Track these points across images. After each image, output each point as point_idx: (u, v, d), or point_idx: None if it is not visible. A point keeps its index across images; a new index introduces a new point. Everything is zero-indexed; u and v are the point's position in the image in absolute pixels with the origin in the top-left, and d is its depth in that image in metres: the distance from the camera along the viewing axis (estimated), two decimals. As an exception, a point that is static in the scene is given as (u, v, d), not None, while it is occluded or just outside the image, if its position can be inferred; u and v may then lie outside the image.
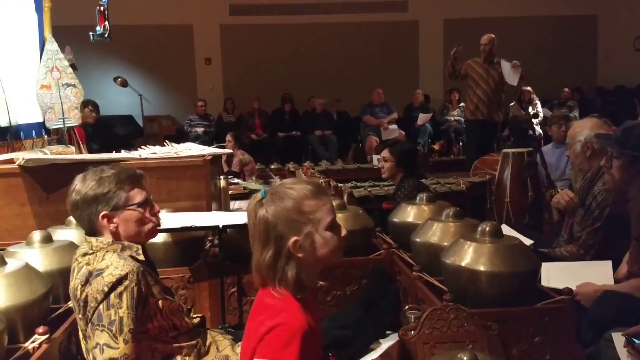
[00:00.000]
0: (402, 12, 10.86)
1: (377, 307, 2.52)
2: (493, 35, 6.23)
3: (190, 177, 3.26)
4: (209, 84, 10.64)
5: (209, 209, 3.27)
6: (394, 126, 8.94)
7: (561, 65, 10.70)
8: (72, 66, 4.48)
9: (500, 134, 7.22)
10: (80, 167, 3.04)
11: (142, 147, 3.76)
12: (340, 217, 2.85)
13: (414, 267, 2.47)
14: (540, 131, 8.25)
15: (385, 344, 2.32)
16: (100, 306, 1.62)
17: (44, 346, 1.84)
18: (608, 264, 2.51)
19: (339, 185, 4.77)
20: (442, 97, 10.53)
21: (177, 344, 1.82)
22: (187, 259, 2.77)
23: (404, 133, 8.88)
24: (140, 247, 1.83)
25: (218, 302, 2.65)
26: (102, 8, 4.11)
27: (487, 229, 2.19)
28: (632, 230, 2.40)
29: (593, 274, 2.44)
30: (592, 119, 3.13)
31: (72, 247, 2.36)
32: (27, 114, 4.22)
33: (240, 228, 2.64)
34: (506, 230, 2.72)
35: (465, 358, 1.49)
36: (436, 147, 9.06)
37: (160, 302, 1.76)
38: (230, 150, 5.93)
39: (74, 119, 4.33)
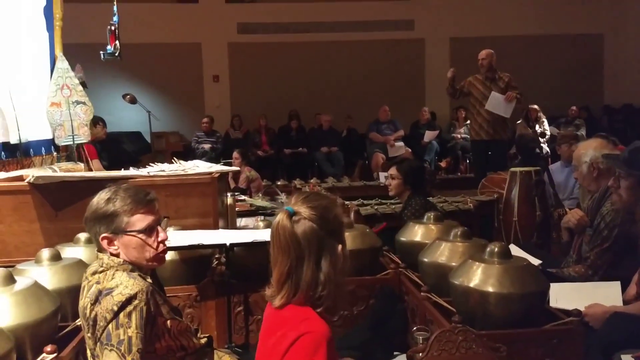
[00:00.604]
0: (408, 30, 10.93)
1: (385, 327, 2.51)
2: (491, 50, 6.12)
3: (197, 194, 3.27)
4: (216, 101, 10.71)
5: (216, 227, 3.27)
6: (401, 143, 8.95)
7: (568, 84, 10.71)
8: (82, 84, 4.52)
9: (508, 152, 7.14)
10: (89, 184, 3.10)
11: (151, 164, 3.79)
12: (347, 236, 2.85)
13: (422, 288, 2.46)
14: (548, 149, 8.23)
15: (393, 365, 2.31)
16: (110, 325, 1.62)
17: (52, 365, 1.84)
18: (617, 284, 2.50)
19: (346, 202, 4.76)
20: (449, 115, 10.55)
21: (184, 364, 1.82)
22: (194, 277, 2.77)
23: (410, 150, 8.88)
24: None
25: (225, 321, 2.65)
26: (113, 27, 4.17)
27: (496, 249, 2.19)
28: (641, 251, 2.39)
29: (602, 295, 2.43)
30: (597, 139, 3.13)
31: (80, 265, 2.37)
32: (36, 131, 4.26)
33: (248, 247, 2.65)
34: (514, 249, 2.71)
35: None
36: (443, 164, 9.05)
37: (168, 322, 1.76)
38: (237, 168, 5.96)
39: (83, 136, 4.37)
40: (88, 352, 1.74)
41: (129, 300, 1.63)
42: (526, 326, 2.09)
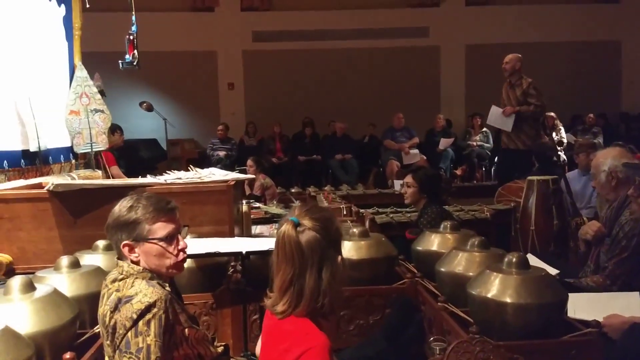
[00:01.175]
0: (423, 37, 10.93)
1: (401, 337, 2.49)
2: (516, 55, 5.89)
3: (213, 202, 3.29)
4: (231, 109, 10.79)
5: (231, 234, 3.29)
6: (415, 151, 8.93)
7: (585, 91, 10.63)
8: (101, 92, 4.59)
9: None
10: (108, 192, 3.13)
11: (167, 171, 3.82)
12: (362, 244, 2.86)
13: (439, 298, 2.44)
14: (565, 157, 8.16)
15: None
16: (129, 333, 1.63)
17: (71, 372, 1.86)
18: (636, 295, 2.47)
19: (361, 211, 4.76)
20: (464, 122, 10.51)
21: (201, 373, 1.82)
22: (210, 285, 2.78)
23: (425, 158, 8.85)
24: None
25: (240, 328, 2.65)
26: (131, 37, 4.22)
27: (514, 259, 2.17)
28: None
29: (620, 306, 2.39)
30: (615, 148, 3.10)
31: (99, 272, 2.39)
32: (55, 138, 4.33)
33: (263, 254, 2.65)
34: (532, 259, 2.69)
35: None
36: (458, 172, 9.00)
37: (186, 330, 1.77)
38: (253, 176, 5.98)
39: (101, 144, 4.43)
40: (107, 359, 1.76)
41: (148, 308, 1.64)
42: (544, 337, 2.06)
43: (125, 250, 1.77)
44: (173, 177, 3.57)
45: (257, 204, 5.29)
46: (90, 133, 4.32)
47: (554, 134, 8.54)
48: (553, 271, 2.76)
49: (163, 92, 10.43)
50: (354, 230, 2.99)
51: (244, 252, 2.60)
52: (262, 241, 2.89)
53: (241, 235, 3.63)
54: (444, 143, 9.11)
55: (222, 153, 9.20)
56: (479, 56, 10.54)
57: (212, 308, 2.72)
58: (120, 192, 2.86)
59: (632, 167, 2.67)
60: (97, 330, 2.02)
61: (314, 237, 1.57)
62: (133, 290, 1.69)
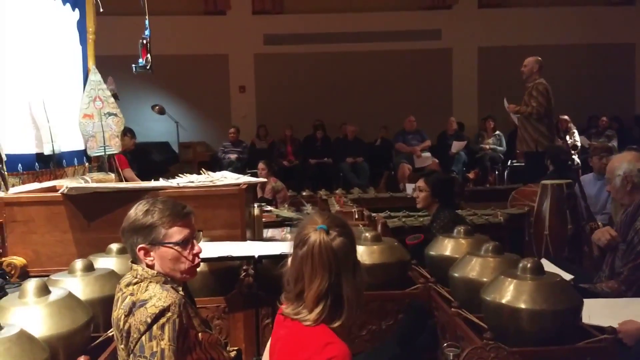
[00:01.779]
0: (435, 40, 10.89)
1: (414, 343, 2.48)
2: (535, 57, 5.89)
3: (225, 205, 3.30)
4: (242, 112, 10.81)
5: (243, 238, 3.29)
6: (427, 154, 8.89)
7: (599, 94, 10.53)
8: (114, 96, 4.62)
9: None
10: (121, 196, 3.15)
11: (179, 175, 3.84)
12: (375, 249, 2.85)
13: (453, 303, 2.42)
14: (579, 160, 8.10)
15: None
16: (143, 337, 1.63)
17: (85, 376, 1.86)
18: (651, 301, 2.44)
19: (373, 214, 4.74)
20: (477, 125, 10.45)
21: (214, 377, 1.82)
22: (222, 289, 2.78)
23: (437, 161, 8.81)
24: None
25: (253, 333, 2.65)
26: (144, 41, 4.25)
27: (528, 265, 2.15)
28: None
29: (636, 311, 2.37)
30: (631, 152, 3.07)
31: (113, 275, 2.40)
32: (69, 142, 4.36)
33: (275, 258, 2.64)
34: (546, 264, 2.67)
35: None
36: (471, 175, 8.94)
37: (200, 334, 1.77)
38: (264, 179, 5.98)
39: (114, 147, 4.46)
40: (120, 363, 1.76)
41: (162, 312, 1.65)
42: (559, 343, 2.04)
43: (141, 253, 1.78)
44: (185, 180, 3.58)
45: (269, 207, 5.29)
46: (104, 136, 4.35)
47: (567, 137, 8.47)
48: (568, 276, 2.73)
49: (175, 96, 10.48)
50: (367, 234, 2.97)
51: (256, 256, 2.60)
52: (274, 245, 2.89)
53: (253, 238, 3.63)
54: (456, 146, 9.07)
55: (233, 156, 9.22)
56: (491, 59, 10.48)
57: (224, 312, 2.72)
58: (133, 195, 2.88)
59: (648, 172, 2.64)
60: (111, 334, 2.02)
61: (344, 242, 1.59)
62: (147, 294, 1.70)
